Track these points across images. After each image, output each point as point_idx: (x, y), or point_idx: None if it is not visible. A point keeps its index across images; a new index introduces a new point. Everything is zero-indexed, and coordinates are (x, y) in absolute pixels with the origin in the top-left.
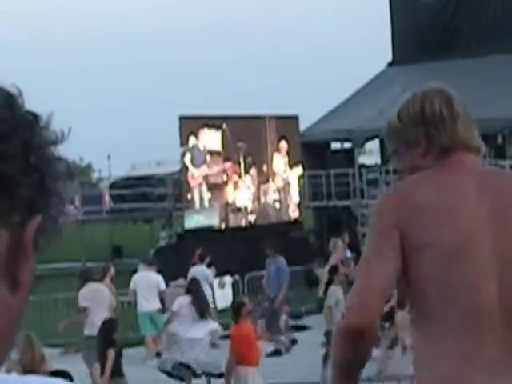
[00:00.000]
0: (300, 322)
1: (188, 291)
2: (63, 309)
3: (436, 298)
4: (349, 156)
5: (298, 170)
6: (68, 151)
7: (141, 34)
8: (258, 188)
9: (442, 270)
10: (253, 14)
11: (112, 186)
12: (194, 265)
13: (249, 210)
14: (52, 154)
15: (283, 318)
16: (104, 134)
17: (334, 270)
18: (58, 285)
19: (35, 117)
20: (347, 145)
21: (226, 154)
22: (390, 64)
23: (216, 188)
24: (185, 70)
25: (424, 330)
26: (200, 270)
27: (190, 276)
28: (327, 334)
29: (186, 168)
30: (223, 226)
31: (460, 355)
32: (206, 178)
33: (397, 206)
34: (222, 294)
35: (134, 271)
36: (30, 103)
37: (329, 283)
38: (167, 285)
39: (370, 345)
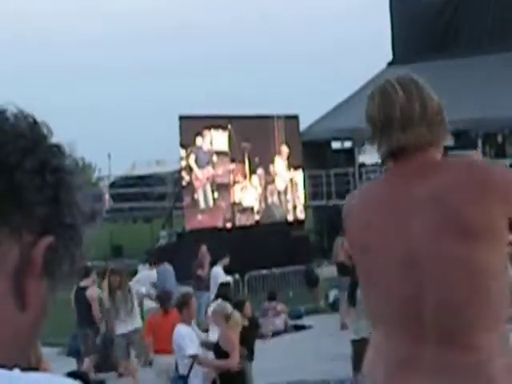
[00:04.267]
0: (300, 322)
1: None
2: (62, 309)
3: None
4: (349, 155)
5: (300, 169)
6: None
7: (141, 33)
8: (265, 188)
9: (368, 278)
10: (253, 13)
11: (112, 185)
12: (198, 267)
13: (255, 210)
14: (73, 183)
15: (283, 317)
16: (104, 132)
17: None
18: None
19: (58, 146)
20: (347, 144)
21: (233, 154)
22: (391, 63)
23: (223, 188)
24: (185, 68)
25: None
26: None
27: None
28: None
29: (191, 169)
30: (227, 225)
31: (391, 361)
32: (211, 178)
33: (344, 218)
34: None
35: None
36: (30, 103)
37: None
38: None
39: None
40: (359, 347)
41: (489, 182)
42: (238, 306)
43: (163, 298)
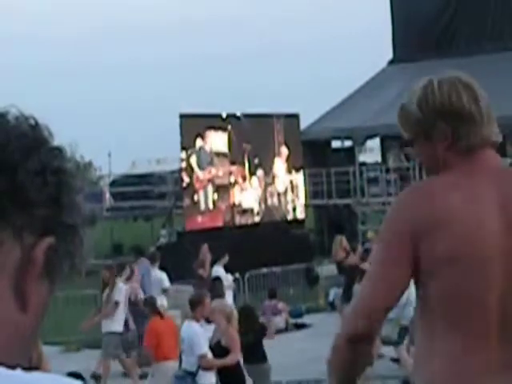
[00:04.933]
0: (300, 321)
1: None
2: (63, 307)
3: (444, 308)
4: (349, 154)
5: (300, 170)
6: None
7: (141, 31)
8: (265, 189)
9: (454, 284)
10: (253, 11)
11: (112, 183)
12: (199, 266)
13: (255, 211)
14: (74, 185)
15: (283, 315)
16: (104, 131)
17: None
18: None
19: (59, 148)
20: (348, 143)
21: (233, 155)
22: (391, 62)
23: (222, 189)
24: (185, 66)
25: (427, 329)
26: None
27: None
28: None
29: (192, 170)
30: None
31: (454, 359)
32: (211, 179)
33: (416, 215)
34: None
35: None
36: (28, 100)
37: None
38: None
39: (371, 348)
40: None
41: None
42: (248, 313)
43: (153, 302)
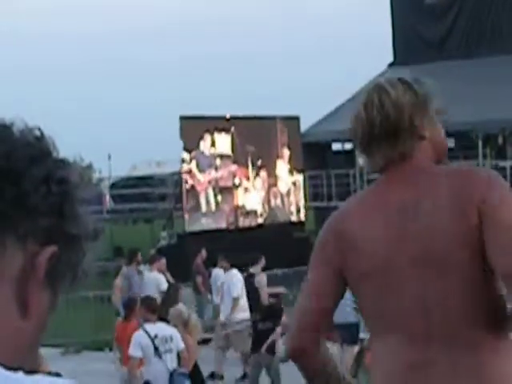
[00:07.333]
0: None
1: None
2: (63, 309)
3: (376, 323)
4: (350, 157)
5: (302, 172)
6: (69, 152)
7: (141, 32)
8: (268, 191)
9: (374, 298)
10: (253, 14)
11: (112, 186)
12: (197, 270)
13: (258, 213)
14: (78, 196)
15: (284, 318)
16: (104, 133)
17: None
18: None
19: (63, 160)
20: (348, 146)
21: (236, 157)
22: (391, 65)
23: (226, 191)
24: (186, 69)
25: (372, 345)
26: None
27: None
28: None
29: (191, 173)
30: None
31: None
32: (214, 181)
33: (334, 239)
34: None
35: None
36: (28, 104)
37: None
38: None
39: (315, 365)
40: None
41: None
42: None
43: (132, 305)
